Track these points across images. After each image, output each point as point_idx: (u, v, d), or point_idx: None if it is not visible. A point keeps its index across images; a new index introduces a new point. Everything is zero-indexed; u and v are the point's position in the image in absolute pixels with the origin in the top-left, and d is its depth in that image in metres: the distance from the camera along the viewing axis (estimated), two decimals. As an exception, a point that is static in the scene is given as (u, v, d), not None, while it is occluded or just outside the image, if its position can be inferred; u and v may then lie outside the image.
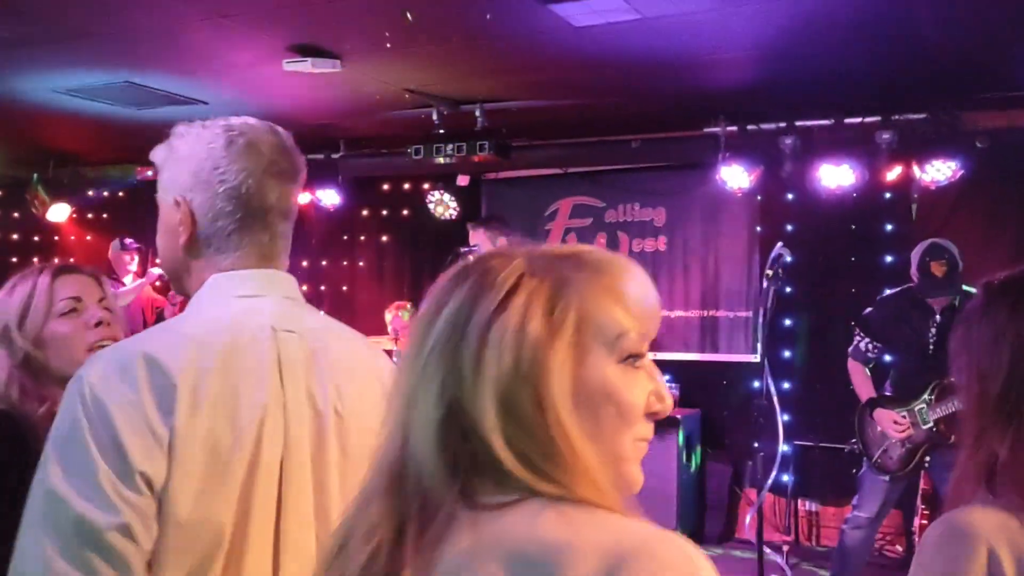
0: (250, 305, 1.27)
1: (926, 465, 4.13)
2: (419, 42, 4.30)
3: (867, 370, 4.32)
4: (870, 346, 4.30)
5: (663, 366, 5.45)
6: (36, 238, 7.88)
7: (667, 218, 6.23)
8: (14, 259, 7.71)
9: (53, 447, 1.12)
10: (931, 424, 4.00)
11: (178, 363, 1.15)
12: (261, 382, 1.21)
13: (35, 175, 7.42)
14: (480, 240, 4.92)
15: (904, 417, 4.05)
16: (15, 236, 7.54)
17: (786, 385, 5.65)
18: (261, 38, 4.28)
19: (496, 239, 4.90)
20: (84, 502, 1.08)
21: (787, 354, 5.71)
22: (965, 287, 4.10)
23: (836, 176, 5.32)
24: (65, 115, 5.81)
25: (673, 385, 5.74)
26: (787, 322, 5.72)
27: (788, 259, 4.01)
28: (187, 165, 1.29)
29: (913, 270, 4.14)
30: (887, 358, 4.46)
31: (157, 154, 1.34)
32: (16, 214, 7.51)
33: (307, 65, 4.33)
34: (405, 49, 4.38)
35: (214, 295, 1.28)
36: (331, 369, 1.28)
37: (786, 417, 5.92)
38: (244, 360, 1.21)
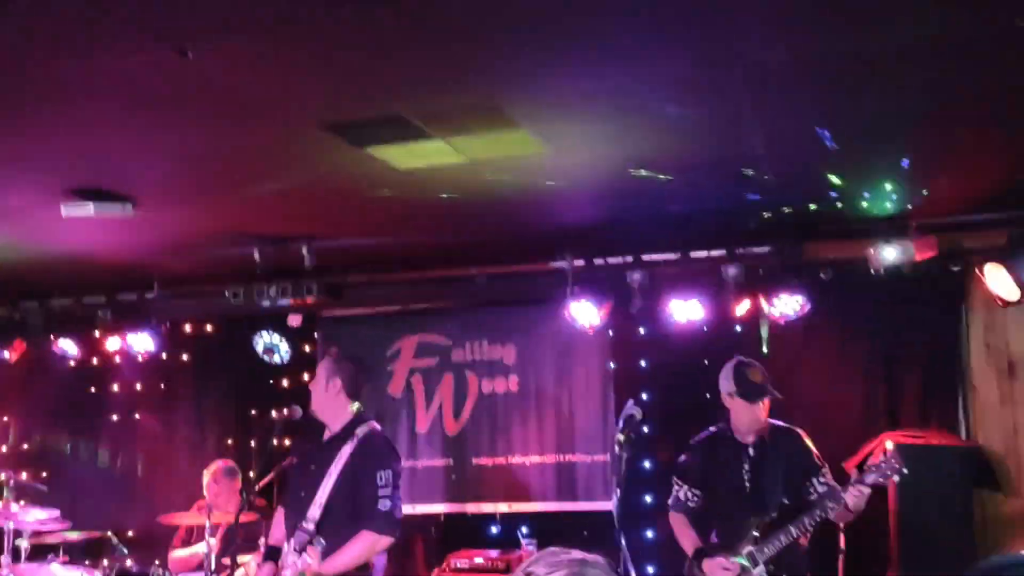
0: None
1: None
2: (224, 190, 3.82)
3: (688, 520, 4.13)
4: (690, 494, 4.16)
5: (519, 519, 4.90)
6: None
7: (517, 356, 5.83)
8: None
9: None
10: (761, 565, 3.83)
11: None
12: None
13: None
14: (323, 369, 3.95)
15: (734, 562, 3.86)
16: None
17: (649, 533, 5.28)
18: (37, 180, 3.69)
19: (332, 377, 3.91)
20: None
21: (648, 499, 5.31)
22: (773, 421, 4.06)
23: (685, 311, 5.13)
24: None
25: (530, 541, 5.23)
26: (646, 464, 5.38)
27: (640, 418, 3.67)
28: None
29: (728, 389, 4.01)
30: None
31: None
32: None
33: (88, 209, 3.72)
34: (209, 196, 3.89)
35: None
36: None
37: (651, 569, 5.56)
38: None
